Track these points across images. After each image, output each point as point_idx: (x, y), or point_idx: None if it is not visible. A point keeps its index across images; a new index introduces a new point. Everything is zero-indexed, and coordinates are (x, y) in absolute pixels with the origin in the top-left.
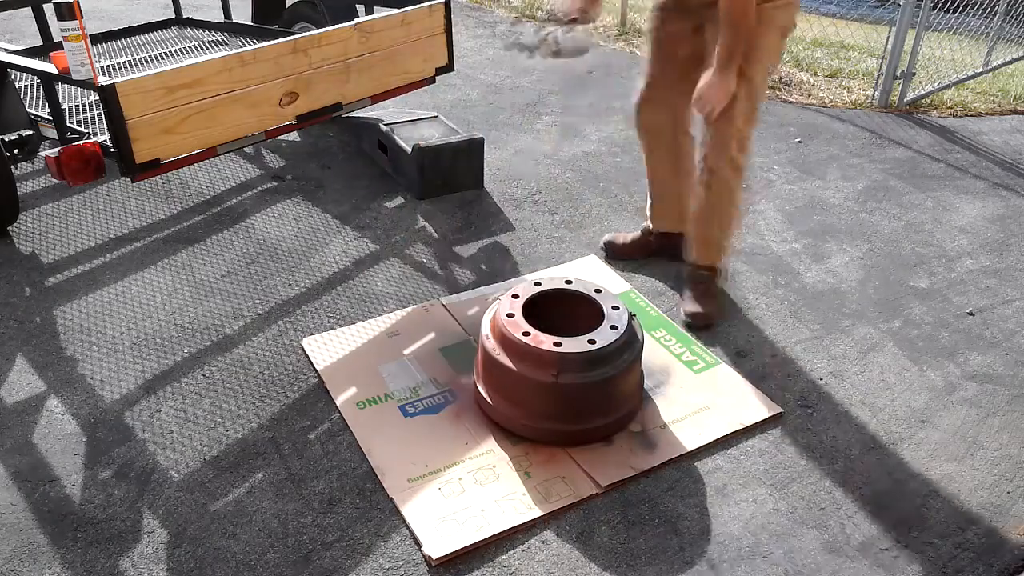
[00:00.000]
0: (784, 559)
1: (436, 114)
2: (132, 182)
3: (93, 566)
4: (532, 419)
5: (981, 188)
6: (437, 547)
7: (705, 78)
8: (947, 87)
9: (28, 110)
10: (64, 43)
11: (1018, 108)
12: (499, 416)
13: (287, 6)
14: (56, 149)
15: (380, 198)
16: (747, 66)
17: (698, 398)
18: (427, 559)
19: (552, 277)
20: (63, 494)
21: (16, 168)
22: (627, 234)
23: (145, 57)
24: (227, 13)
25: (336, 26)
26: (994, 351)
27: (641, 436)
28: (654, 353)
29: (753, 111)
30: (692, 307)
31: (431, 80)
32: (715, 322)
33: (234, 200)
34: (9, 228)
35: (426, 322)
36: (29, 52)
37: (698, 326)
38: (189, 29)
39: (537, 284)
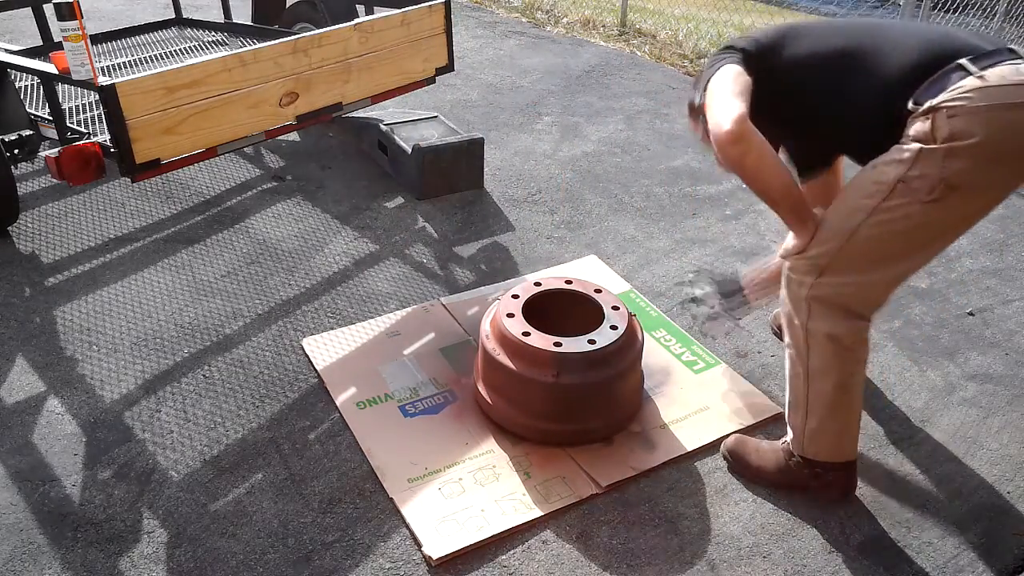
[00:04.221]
0: (784, 559)
1: (436, 114)
2: (132, 182)
3: (93, 566)
4: (532, 419)
5: None
6: (437, 547)
7: None
8: None
9: (28, 110)
10: (64, 43)
11: None
12: (499, 416)
13: (287, 6)
14: (56, 149)
15: (380, 198)
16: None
17: (698, 398)
18: (427, 559)
19: (552, 277)
20: (63, 494)
21: (16, 168)
22: None
23: (145, 57)
24: (227, 13)
25: (336, 26)
26: (994, 351)
27: (641, 436)
28: (654, 353)
29: (837, 279)
30: (744, 450)
31: (431, 80)
32: (748, 480)
33: (234, 200)
34: (9, 228)
35: (426, 322)
36: (29, 52)
37: (728, 462)
38: (189, 29)
39: (537, 284)
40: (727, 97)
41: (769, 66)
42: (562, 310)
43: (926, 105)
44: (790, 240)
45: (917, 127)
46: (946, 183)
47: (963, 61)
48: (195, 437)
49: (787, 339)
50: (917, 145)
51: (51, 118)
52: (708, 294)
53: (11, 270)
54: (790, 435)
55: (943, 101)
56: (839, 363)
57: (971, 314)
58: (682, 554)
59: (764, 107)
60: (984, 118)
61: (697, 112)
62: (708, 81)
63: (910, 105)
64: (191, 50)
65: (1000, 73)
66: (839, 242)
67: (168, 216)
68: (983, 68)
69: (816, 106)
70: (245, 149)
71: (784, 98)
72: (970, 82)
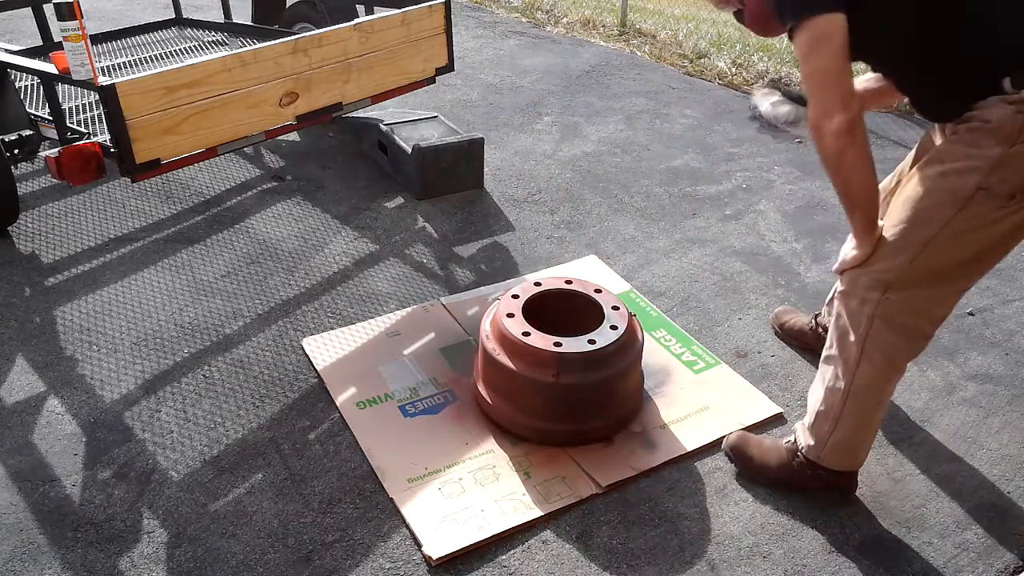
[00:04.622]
0: (784, 559)
1: (436, 114)
2: (132, 182)
3: (93, 566)
4: (532, 419)
5: None
6: (437, 547)
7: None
8: None
9: (28, 110)
10: (64, 43)
11: None
12: (499, 416)
13: (287, 6)
14: (56, 149)
15: (380, 198)
16: (879, 247)
17: (698, 398)
18: (427, 559)
19: (552, 277)
20: (63, 494)
21: (16, 168)
22: (798, 317)
23: (145, 57)
24: (227, 13)
25: (336, 26)
26: (994, 351)
27: (641, 436)
28: (654, 353)
29: (909, 294)
30: (746, 446)
31: (431, 80)
32: (748, 477)
33: (234, 200)
34: (9, 228)
35: (426, 322)
36: (29, 52)
37: (730, 457)
38: (189, 29)
39: (537, 284)
40: (838, 73)
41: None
42: (562, 310)
43: (1020, 96)
44: (849, 251)
45: (1001, 114)
46: None
47: None
48: (195, 437)
49: (832, 351)
50: (998, 150)
51: (51, 118)
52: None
53: (11, 270)
54: (802, 440)
55: None
56: (885, 383)
57: (971, 314)
58: (682, 554)
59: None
60: None
61: None
62: (803, 17)
63: (1006, 85)
64: (191, 50)
65: None
66: (910, 255)
67: (168, 216)
68: None
69: (905, 45)
70: (245, 149)
71: (869, 25)
72: None
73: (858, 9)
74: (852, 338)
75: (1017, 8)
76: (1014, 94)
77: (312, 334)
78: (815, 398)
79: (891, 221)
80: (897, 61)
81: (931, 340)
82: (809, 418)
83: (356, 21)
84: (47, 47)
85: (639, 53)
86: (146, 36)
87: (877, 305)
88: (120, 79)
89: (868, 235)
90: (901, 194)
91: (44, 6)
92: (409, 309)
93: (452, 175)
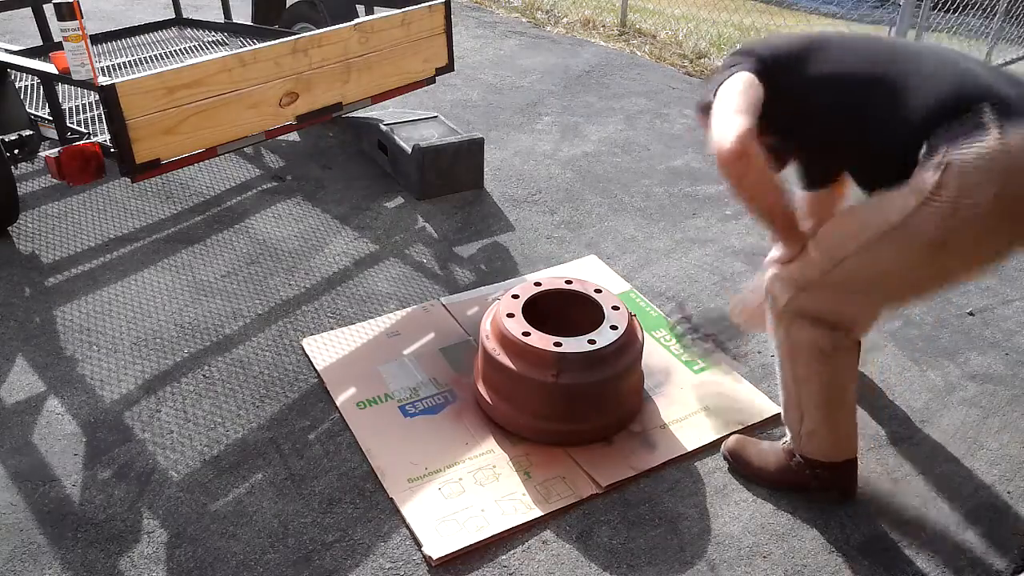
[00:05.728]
0: (784, 559)
1: (436, 114)
2: (132, 182)
3: (93, 566)
4: (532, 419)
5: None
6: (437, 547)
7: None
8: None
9: (28, 110)
10: (64, 43)
11: None
12: (499, 416)
13: (287, 6)
14: (56, 149)
15: (380, 198)
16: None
17: (698, 398)
18: (427, 559)
19: (552, 277)
20: (63, 494)
21: (16, 168)
22: None
23: (145, 57)
24: (227, 13)
25: (336, 26)
26: (994, 351)
27: (641, 436)
28: (654, 353)
29: (816, 296)
30: (745, 451)
31: (431, 80)
32: (748, 480)
33: (234, 200)
34: (9, 228)
35: (426, 322)
36: (29, 52)
37: (729, 461)
38: (189, 29)
39: (537, 284)
40: (732, 111)
41: (786, 79)
42: (562, 310)
43: (940, 156)
44: (777, 250)
45: (927, 176)
46: (944, 239)
47: (985, 115)
48: (195, 437)
49: (774, 344)
50: (924, 195)
51: (51, 118)
52: (699, 331)
53: (11, 270)
54: (789, 435)
55: (957, 156)
56: (824, 368)
57: (971, 314)
58: (682, 554)
59: (775, 120)
60: (999, 184)
61: (707, 110)
62: (720, 85)
63: (924, 148)
64: (191, 50)
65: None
66: (825, 265)
67: (168, 216)
68: (1006, 126)
69: (831, 130)
70: (245, 149)
71: (797, 115)
72: (990, 143)
73: (776, 97)
74: (780, 330)
75: (920, 91)
76: (927, 159)
77: (312, 334)
78: (780, 392)
79: (822, 232)
80: (824, 147)
81: (851, 330)
82: (782, 412)
83: (356, 21)
84: (47, 47)
85: (639, 53)
86: (146, 36)
87: (792, 300)
88: (120, 79)
89: (791, 241)
90: (844, 211)
91: (44, 6)
92: (409, 309)
93: (452, 175)
